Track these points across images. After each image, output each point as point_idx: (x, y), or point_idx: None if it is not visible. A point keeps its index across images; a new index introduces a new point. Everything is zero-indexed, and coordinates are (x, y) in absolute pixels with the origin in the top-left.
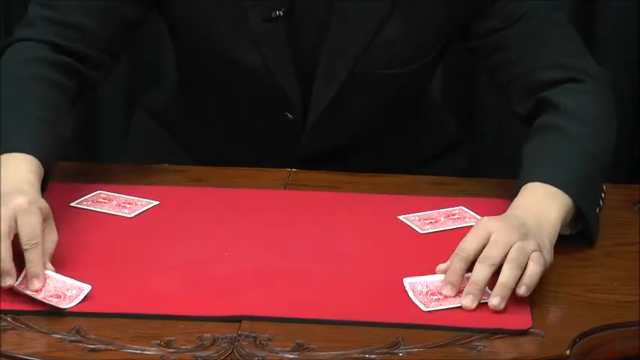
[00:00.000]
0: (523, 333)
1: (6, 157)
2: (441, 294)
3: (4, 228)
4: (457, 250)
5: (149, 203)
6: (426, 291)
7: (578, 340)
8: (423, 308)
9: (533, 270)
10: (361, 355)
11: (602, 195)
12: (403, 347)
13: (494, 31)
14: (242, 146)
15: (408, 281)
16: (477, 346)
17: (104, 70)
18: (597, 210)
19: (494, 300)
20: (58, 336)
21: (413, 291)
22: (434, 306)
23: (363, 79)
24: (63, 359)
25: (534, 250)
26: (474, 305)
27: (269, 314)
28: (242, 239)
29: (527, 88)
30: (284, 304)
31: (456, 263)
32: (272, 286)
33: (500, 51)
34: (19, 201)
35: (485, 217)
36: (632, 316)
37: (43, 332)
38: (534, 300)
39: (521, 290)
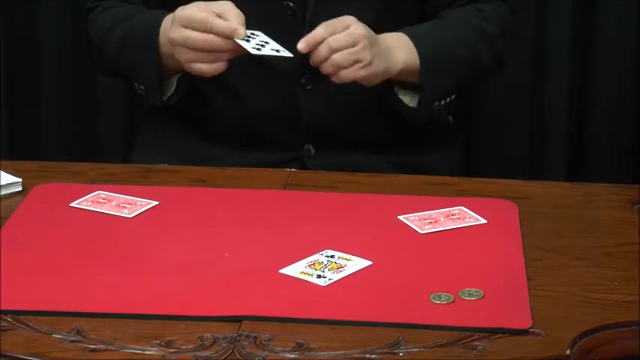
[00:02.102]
0: (523, 333)
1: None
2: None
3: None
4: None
5: (149, 203)
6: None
7: (578, 339)
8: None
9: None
10: (361, 355)
11: (451, 96)
12: (403, 347)
13: None
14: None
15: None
16: (477, 346)
17: None
18: (438, 101)
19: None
20: (59, 336)
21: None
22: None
23: None
24: (63, 359)
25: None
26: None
27: (269, 314)
28: (242, 239)
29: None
30: (284, 304)
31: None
32: (272, 286)
33: None
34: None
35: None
36: (632, 316)
37: (43, 332)
38: (534, 300)
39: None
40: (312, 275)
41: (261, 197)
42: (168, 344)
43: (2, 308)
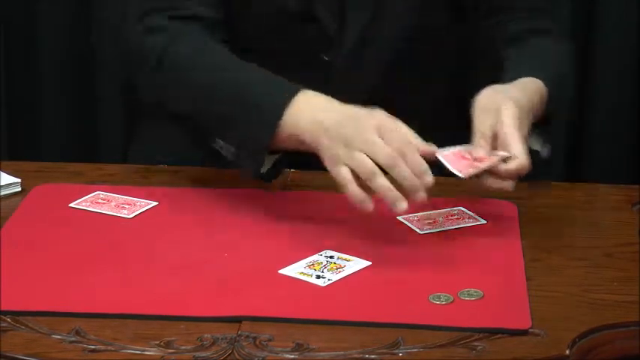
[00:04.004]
0: (523, 333)
1: (302, 97)
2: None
3: (388, 152)
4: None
5: (148, 204)
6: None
7: (577, 340)
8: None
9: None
10: (361, 355)
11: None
12: (403, 347)
13: None
14: None
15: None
16: (477, 346)
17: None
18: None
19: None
20: (58, 336)
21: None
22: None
23: (388, 5)
24: None
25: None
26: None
27: (269, 314)
28: (242, 239)
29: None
30: (284, 304)
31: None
32: (272, 286)
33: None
34: (379, 116)
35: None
36: (632, 316)
37: (42, 333)
38: (534, 300)
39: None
40: (311, 275)
41: (261, 197)
42: (168, 345)
43: (2, 309)
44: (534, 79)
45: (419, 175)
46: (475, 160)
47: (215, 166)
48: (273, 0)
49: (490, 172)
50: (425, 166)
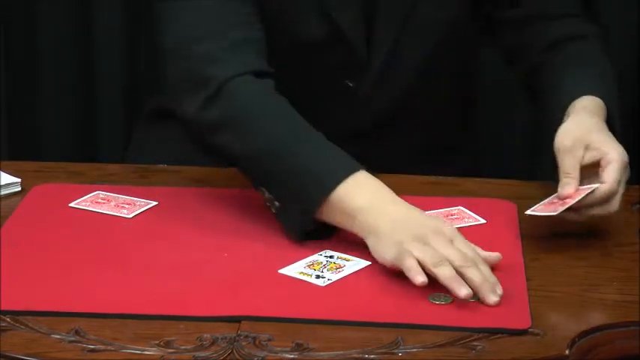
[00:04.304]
0: (522, 333)
1: (363, 176)
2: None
3: (463, 255)
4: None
5: (148, 204)
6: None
7: (577, 339)
8: None
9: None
10: (361, 355)
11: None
12: (403, 347)
13: None
14: None
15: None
16: (477, 346)
17: None
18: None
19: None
20: (58, 336)
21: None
22: None
23: (414, 30)
24: (62, 359)
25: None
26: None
27: (268, 314)
28: (242, 239)
29: (545, 39)
30: (283, 304)
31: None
32: (272, 286)
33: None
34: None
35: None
36: (632, 316)
37: (42, 332)
38: (533, 300)
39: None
40: (311, 275)
41: (261, 197)
42: (168, 344)
43: (1, 308)
44: (595, 98)
45: (488, 279)
46: (564, 199)
47: (216, 164)
48: (296, 30)
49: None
50: (494, 278)
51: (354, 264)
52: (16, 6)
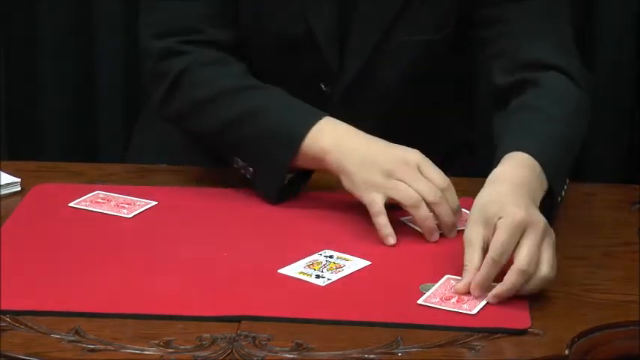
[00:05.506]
0: (522, 333)
1: (327, 120)
2: (454, 297)
3: (434, 189)
4: (494, 255)
5: (147, 204)
6: (438, 300)
7: (576, 339)
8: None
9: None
10: (360, 355)
11: (566, 185)
12: (402, 347)
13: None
14: None
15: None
16: (476, 345)
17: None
18: (560, 196)
19: (493, 299)
20: (57, 336)
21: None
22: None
23: (390, 48)
24: (62, 359)
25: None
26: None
27: (268, 314)
28: (241, 239)
29: (514, 63)
30: (283, 304)
31: (491, 269)
32: (271, 286)
33: (500, 23)
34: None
35: (511, 208)
36: (631, 316)
37: (42, 332)
38: (533, 300)
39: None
40: (310, 275)
41: (261, 197)
42: (167, 344)
43: (1, 308)
44: (522, 155)
45: (454, 213)
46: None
47: (216, 165)
48: (273, 26)
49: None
50: (459, 205)
51: (354, 264)
52: (16, 6)
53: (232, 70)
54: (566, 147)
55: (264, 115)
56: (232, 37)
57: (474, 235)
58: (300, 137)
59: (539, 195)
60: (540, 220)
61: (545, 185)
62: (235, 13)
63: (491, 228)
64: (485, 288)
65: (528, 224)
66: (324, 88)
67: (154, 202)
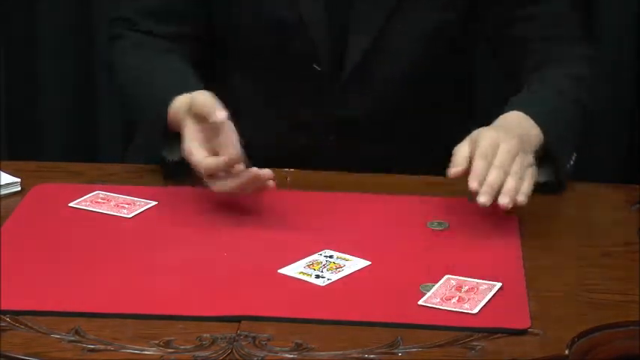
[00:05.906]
0: (522, 333)
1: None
2: (455, 297)
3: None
4: (477, 153)
5: (147, 203)
6: (439, 300)
7: (576, 339)
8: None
9: (530, 183)
10: (360, 355)
11: (572, 158)
12: (402, 347)
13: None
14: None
15: (423, 302)
16: (476, 345)
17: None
18: (568, 164)
19: (505, 199)
20: (57, 336)
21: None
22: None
23: (397, 26)
24: (62, 359)
25: (530, 165)
26: (490, 202)
27: (268, 314)
28: (241, 239)
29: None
30: (283, 304)
31: (479, 162)
32: (271, 286)
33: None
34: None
35: (483, 129)
36: (631, 315)
37: (42, 332)
38: (533, 300)
39: (520, 198)
40: (310, 275)
41: (260, 197)
42: (167, 344)
43: (1, 308)
44: (518, 113)
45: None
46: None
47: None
48: (261, 8)
49: None
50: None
51: (354, 264)
52: (16, 5)
53: (152, 53)
54: (568, 111)
55: (157, 89)
56: (182, 28)
57: (460, 147)
58: (168, 103)
59: (534, 142)
60: (515, 140)
61: (540, 134)
62: (188, 9)
63: (474, 143)
64: (479, 182)
65: (502, 139)
66: (318, 68)
67: (154, 202)
